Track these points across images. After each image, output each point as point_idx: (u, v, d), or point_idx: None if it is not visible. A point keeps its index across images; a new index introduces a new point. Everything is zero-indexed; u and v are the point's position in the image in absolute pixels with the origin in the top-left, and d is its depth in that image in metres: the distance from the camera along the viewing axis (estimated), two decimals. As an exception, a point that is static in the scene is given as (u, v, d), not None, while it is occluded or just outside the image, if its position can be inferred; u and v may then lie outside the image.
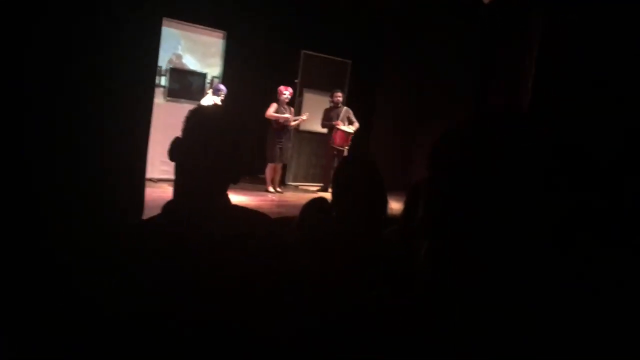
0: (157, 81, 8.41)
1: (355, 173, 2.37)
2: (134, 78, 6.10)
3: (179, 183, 1.57)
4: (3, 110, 5.13)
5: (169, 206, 1.55)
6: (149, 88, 6.58)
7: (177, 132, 1.61)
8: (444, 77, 10.69)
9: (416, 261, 0.94)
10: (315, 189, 11.02)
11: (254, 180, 10.59)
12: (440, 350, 0.81)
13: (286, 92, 9.78)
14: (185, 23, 10.03)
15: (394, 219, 2.90)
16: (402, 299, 0.87)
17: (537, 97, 6.85)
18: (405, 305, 0.85)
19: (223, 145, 1.53)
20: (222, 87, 9.54)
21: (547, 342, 0.83)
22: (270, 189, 9.94)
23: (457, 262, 0.84)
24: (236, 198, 8.27)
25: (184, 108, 9.76)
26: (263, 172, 10.16)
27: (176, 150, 1.56)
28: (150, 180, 8.76)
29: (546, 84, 6.61)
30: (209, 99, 9.30)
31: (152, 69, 6.68)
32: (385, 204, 2.32)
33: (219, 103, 9.21)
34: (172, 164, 1.57)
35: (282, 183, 10.88)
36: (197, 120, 1.54)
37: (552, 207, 0.83)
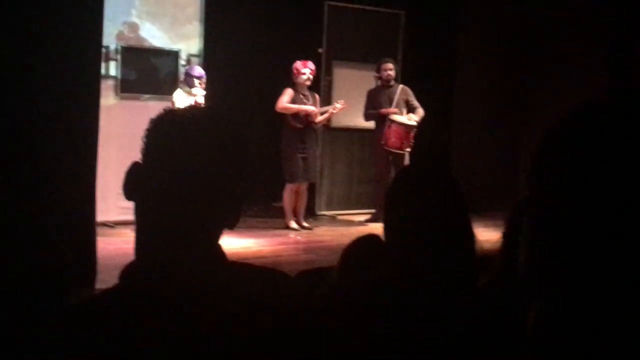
0: (102, 70, 8.51)
1: (420, 192, 2.37)
2: (64, 68, 6.20)
3: (142, 235, 1.59)
4: None
5: (129, 272, 1.57)
6: (90, 82, 6.68)
7: (138, 148, 1.63)
8: (564, 31, 10.65)
9: (524, 331, 0.93)
10: (362, 219, 11.02)
11: (267, 211, 10.64)
12: None
13: (306, 71, 9.84)
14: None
15: (490, 259, 2.88)
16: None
17: None
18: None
19: (209, 171, 1.55)
20: (197, 70, 9.58)
21: None
22: (293, 224, 9.99)
23: (586, 339, 0.83)
24: (238, 244, 8.35)
25: (148, 109, 9.95)
26: (279, 199, 10.20)
27: (136, 185, 1.58)
28: (105, 225, 8.89)
29: None
30: (182, 95, 9.37)
31: (94, 50, 6.78)
32: (470, 239, 2.32)
33: (199, 96, 9.28)
34: (131, 204, 1.60)
35: (311, 213, 10.92)
36: (165, 133, 1.56)
37: None
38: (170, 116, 1.61)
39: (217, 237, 1.62)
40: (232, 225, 1.62)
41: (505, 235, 2.76)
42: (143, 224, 1.59)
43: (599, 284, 0.83)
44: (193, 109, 1.70)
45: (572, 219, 0.84)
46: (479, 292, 2.36)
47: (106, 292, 1.59)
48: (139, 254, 1.59)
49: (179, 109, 1.68)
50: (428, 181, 2.42)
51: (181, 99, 9.24)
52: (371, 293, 2.28)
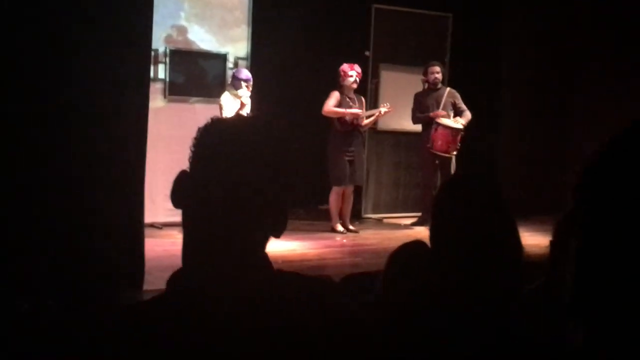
0: (151, 73, 8.57)
1: (467, 201, 2.36)
2: (114, 71, 6.26)
3: (189, 242, 1.61)
4: None
5: (177, 279, 1.59)
6: (140, 85, 6.74)
7: (186, 150, 1.64)
8: (617, 33, 10.53)
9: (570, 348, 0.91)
10: (408, 222, 11.00)
11: (312, 214, 10.65)
12: None
13: (353, 74, 9.82)
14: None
15: (537, 265, 2.87)
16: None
17: None
18: None
19: (256, 180, 1.56)
20: (244, 73, 9.54)
21: None
22: (339, 227, 9.99)
23: None
24: (283, 246, 8.37)
25: (196, 111, 10.01)
26: (325, 202, 10.20)
27: (184, 192, 1.60)
28: (153, 226, 8.97)
29: None
30: (229, 98, 9.35)
31: (143, 53, 6.83)
32: (516, 248, 2.30)
33: (245, 98, 9.27)
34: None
35: (357, 216, 10.91)
36: (213, 142, 1.58)
37: None
38: (218, 125, 1.62)
39: (264, 246, 1.62)
40: (278, 233, 1.63)
41: (553, 245, 2.74)
42: (190, 232, 1.61)
43: None
44: (240, 118, 1.70)
45: (623, 242, 0.82)
46: (525, 301, 2.35)
47: (153, 300, 1.60)
48: (186, 262, 1.60)
49: (226, 119, 1.69)
50: (475, 190, 2.41)
51: (228, 102, 9.26)
52: (417, 303, 2.27)
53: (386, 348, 1.76)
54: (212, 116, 1.68)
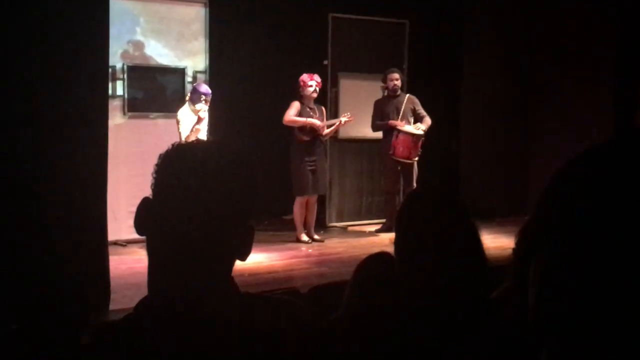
0: (109, 90, 8.49)
1: (430, 211, 2.37)
2: (72, 89, 6.21)
3: (155, 269, 1.60)
4: None
5: (144, 307, 1.58)
6: (98, 102, 6.69)
7: (148, 166, 1.63)
8: (571, 39, 10.64)
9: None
10: (373, 229, 11.01)
11: (277, 224, 10.63)
12: None
13: (312, 83, 9.81)
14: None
15: (501, 269, 2.89)
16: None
17: None
18: None
19: (220, 206, 1.56)
20: (204, 87, 9.45)
21: None
22: (304, 236, 9.98)
23: None
24: (249, 259, 8.28)
25: (157, 126, 9.95)
26: (289, 212, 10.19)
27: (147, 220, 1.59)
28: (116, 244, 8.89)
29: None
30: (187, 112, 9.21)
31: (101, 70, 6.79)
32: (481, 257, 2.32)
33: (202, 111, 9.13)
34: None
35: (322, 225, 10.92)
36: (175, 169, 1.57)
37: None
38: (179, 152, 1.61)
39: (229, 270, 1.62)
40: (244, 256, 1.63)
41: (516, 252, 2.75)
42: (155, 259, 1.60)
43: (614, 336, 0.81)
44: (201, 143, 1.70)
45: (584, 264, 0.82)
46: (491, 310, 2.36)
47: (123, 322, 1.59)
48: (152, 288, 1.59)
49: (187, 144, 1.68)
50: (438, 201, 2.42)
51: (186, 116, 9.13)
52: (385, 315, 2.28)
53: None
54: (173, 142, 1.68)
